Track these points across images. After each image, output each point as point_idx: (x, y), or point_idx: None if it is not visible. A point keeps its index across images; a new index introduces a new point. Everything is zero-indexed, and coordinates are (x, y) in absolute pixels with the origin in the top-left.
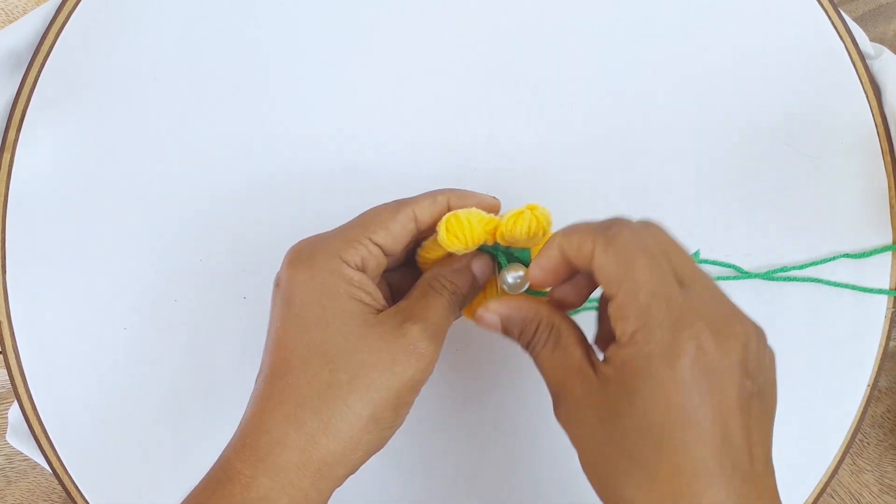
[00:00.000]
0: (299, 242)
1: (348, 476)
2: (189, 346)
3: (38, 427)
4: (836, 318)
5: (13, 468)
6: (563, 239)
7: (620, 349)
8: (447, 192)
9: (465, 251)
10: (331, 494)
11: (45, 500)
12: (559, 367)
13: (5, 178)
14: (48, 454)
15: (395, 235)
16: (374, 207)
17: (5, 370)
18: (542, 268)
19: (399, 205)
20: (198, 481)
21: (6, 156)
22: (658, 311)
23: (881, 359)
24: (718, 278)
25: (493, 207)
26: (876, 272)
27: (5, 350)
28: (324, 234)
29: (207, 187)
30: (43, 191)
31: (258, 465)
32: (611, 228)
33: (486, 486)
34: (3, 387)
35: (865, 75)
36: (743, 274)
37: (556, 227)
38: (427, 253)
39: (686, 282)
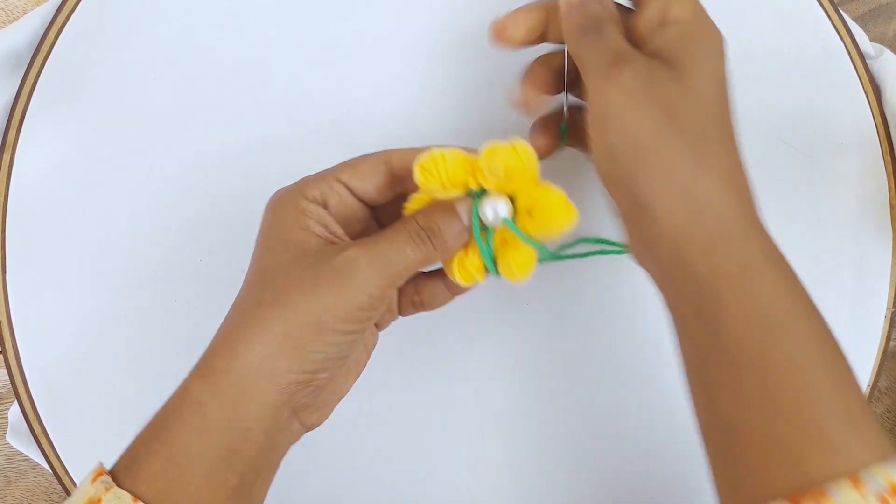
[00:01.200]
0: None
1: (278, 396)
2: (189, 346)
3: (38, 427)
4: (835, 318)
5: (13, 468)
6: None
7: (673, 26)
8: (432, 146)
9: (445, 194)
10: (260, 409)
11: (45, 500)
12: (624, 42)
13: (5, 178)
14: (48, 454)
15: (362, 174)
16: None
17: (5, 370)
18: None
19: (376, 152)
20: None
21: (6, 156)
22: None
23: (881, 359)
24: (591, 254)
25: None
26: (876, 272)
27: (5, 350)
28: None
29: (207, 187)
30: (43, 191)
31: (197, 372)
32: None
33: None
34: (3, 387)
35: (865, 75)
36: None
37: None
38: (412, 205)
39: None
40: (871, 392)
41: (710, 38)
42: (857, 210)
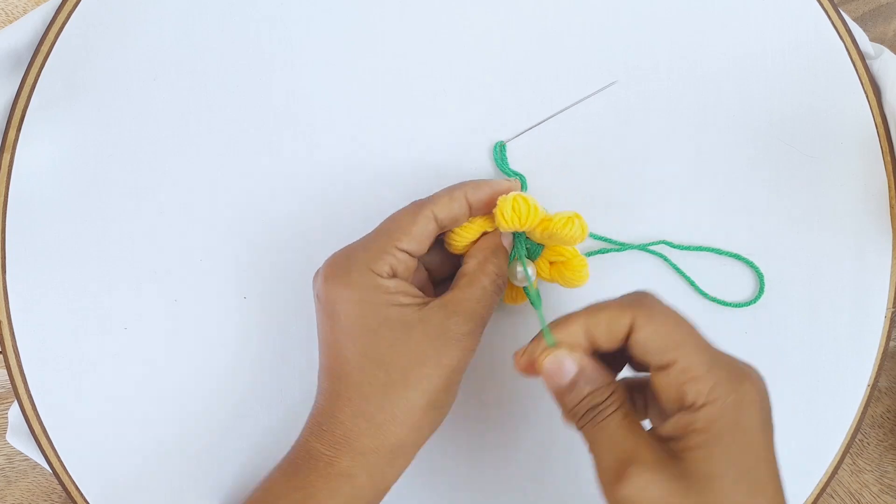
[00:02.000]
0: (332, 257)
1: (417, 452)
2: (189, 345)
3: (38, 427)
4: (835, 318)
5: (13, 468)
6: (588, 320)
7: (698, 411)
8: (463, 186)
9: (509, 229)
10: (404, 470)
11: (45, 500)
12: (630, 438)
13: (5, 177)
14: (48, 454)
15: (418, 238)
16: (395, 213)
17: (5, 370)
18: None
19: (417, 207)
20: (196, 479)
21: (6, 156)
22: (719, 370)
23: (881, 359)
24: (592, 253)
25: (510, 190)
26: (876, 272)
27: (5, 350)
28: (353, 246)
29: (207, 187)
30: (43, 190)
31: (337, 448)
32: (643, 301)
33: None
34: (3, 387)
35: (865, 75)
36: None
37: None
38: (458, 239)
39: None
40: (871, 392)
41: (741, 424)
42: (857, 210)
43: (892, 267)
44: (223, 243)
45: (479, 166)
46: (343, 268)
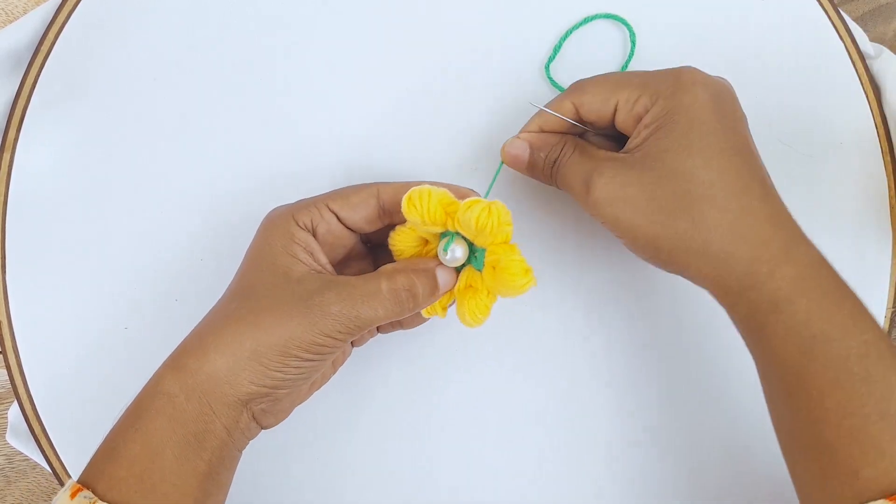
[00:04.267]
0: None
1: (238, 400)
2: None
3: (38, 426)
4: None
5: (13, 468)
6: (587, 90)
7: (646, 116)
8: (422, 182)
9: (423, 227)
10: (222, 407)
11: (45, 500)
12: (588, 162)
13: (5, 177)
14: (48, 454)
15: (353, 205)
16: None
17: (5, 370)
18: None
19: (369, 184)
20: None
21: (6, 155)
22: (658, 82)
23: None
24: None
25: (466, 195)
26: (876, 272)
27: (5, 350)
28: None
29: (207, 186)
30: (43, 190)
31: (167, 366)
32: (581, 85)
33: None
34: (3, 387)
35: (865, 75)
36: None
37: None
38: (398, 239)
39: None
40: None
41: (684, 115)
42: (857, 210)
43: (892, 267)
44: (223, 242)
45: (480, 168)
46: (273, 213)
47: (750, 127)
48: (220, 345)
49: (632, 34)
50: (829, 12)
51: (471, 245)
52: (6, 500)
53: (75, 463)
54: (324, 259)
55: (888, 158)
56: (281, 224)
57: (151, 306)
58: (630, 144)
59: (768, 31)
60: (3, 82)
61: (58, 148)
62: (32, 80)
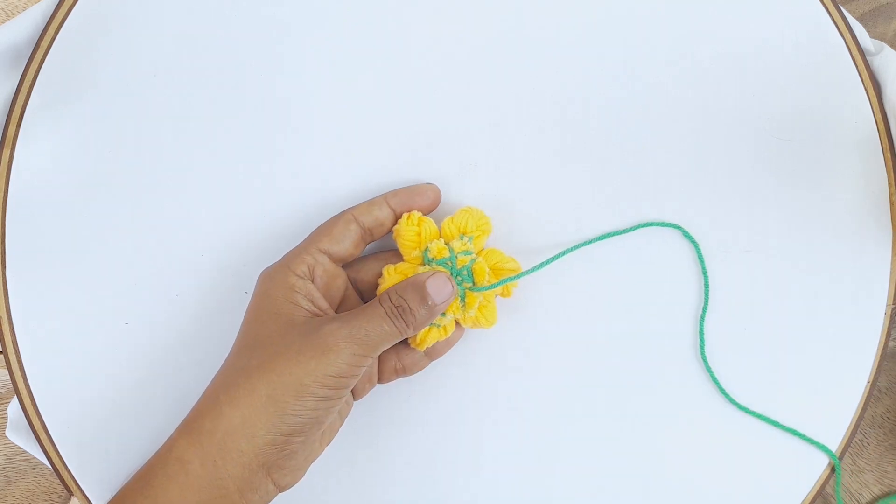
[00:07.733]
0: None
1: (255, 457)
2: (190, 341)
3: (38, 423)
4: (835, 318)
5: (13, 468)
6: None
7: None
8: (384, 194)
9: (418, 246)
10: (238, 469)
11: (46, 500)
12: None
13: (5, 174)
14: (48, 450)
15: (338, 238)
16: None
17: (5, 369)
18: None
19: (342, 213)
20: None
21: (6, 152)
22: None
23: (881, 359)
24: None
25: (433, 193)
26: (876, 270)
27: (5, 347)
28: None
29: (207, 182)
30: (43, 187)
31: (181, 430)
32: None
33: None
34: (3, 387)
35: (866, 72)
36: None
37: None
38: (384, 284)
39: None
40: (870, 391)
41: None
42: (857, 208)
43: (891, 265)
44: (223, 238)
45: (480, 171)
46: (270, 268)
47: (748, 123)
48: (233, 399)
49: None
50: (830, 9)
51: (461, 272)
52: (6, 500)
53: (75, 459)
54: (325, 304)
55: (888, 155)
56: (279, 278)
57: (152, 302)
58: None
59: (768, 27)
60: (3, 78)
61: (58, 144)
62: (32, 76)
